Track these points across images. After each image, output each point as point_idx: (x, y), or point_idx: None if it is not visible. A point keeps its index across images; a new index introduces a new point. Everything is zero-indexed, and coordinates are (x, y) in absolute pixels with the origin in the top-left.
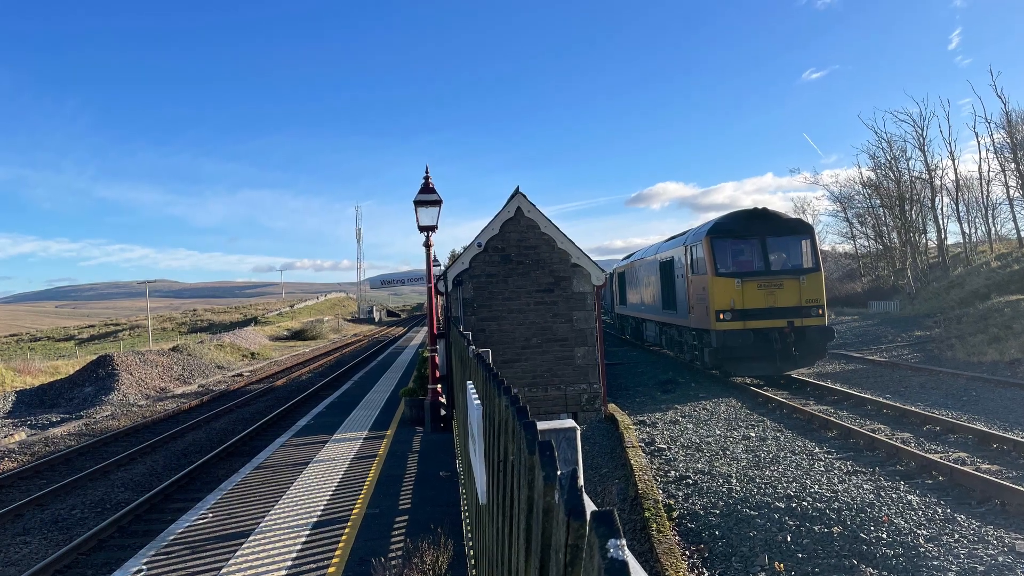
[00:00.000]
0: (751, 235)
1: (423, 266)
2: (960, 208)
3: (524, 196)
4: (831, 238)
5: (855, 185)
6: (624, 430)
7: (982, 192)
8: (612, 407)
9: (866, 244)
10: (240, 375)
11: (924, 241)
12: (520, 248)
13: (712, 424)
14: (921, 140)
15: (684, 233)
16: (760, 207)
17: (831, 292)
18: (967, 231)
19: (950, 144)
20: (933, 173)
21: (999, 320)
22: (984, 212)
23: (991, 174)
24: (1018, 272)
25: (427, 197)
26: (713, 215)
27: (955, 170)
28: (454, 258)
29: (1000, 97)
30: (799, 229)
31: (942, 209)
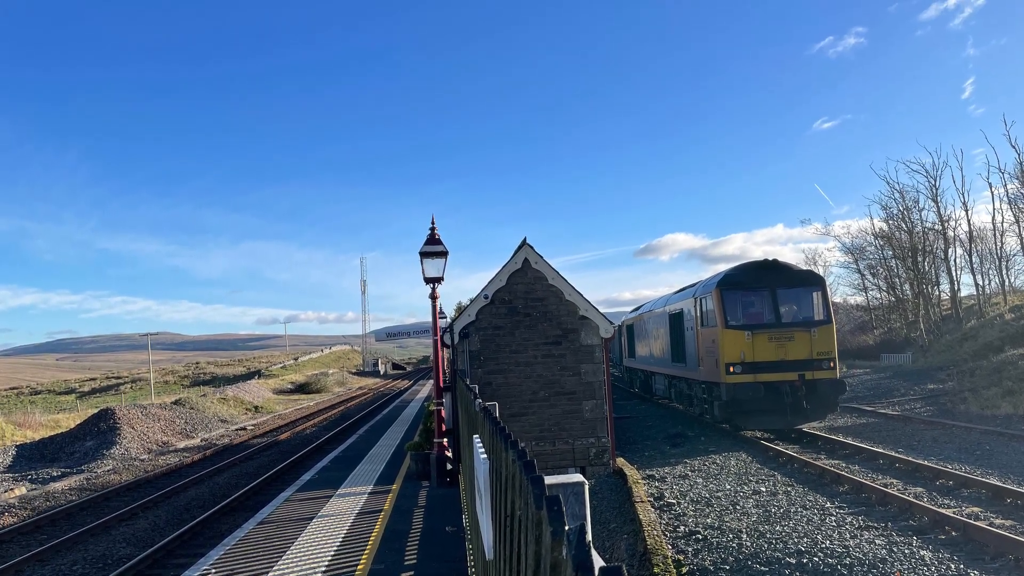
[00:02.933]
0: (761, 287)
1: (429, 318)
2: (973, 259)
3: (531, 247)
4: (843, 290)
5: (867, 236)
6: (633, 484)
7: (996, 243)
8: (621, 461)
9: (878, 296)
10: (243, 429)
11: (937, 293)
12: (527, 300)
13: (722, 478)
14: (934, 190)
15: (694, 285)
16: (771, 258)
17: (843, 345)
18: (980, 283)
19: (963, 195)
20: (946, 224)
21: (1013, 373)
22: (998, 263)
23: (1005, 225)
24: None
25: (433, 248)
26: (723, 267)
27: (968, 221)
28: (460, 310)
29: (1014, 147)
30: (810, 280)
31: (955, 260)
